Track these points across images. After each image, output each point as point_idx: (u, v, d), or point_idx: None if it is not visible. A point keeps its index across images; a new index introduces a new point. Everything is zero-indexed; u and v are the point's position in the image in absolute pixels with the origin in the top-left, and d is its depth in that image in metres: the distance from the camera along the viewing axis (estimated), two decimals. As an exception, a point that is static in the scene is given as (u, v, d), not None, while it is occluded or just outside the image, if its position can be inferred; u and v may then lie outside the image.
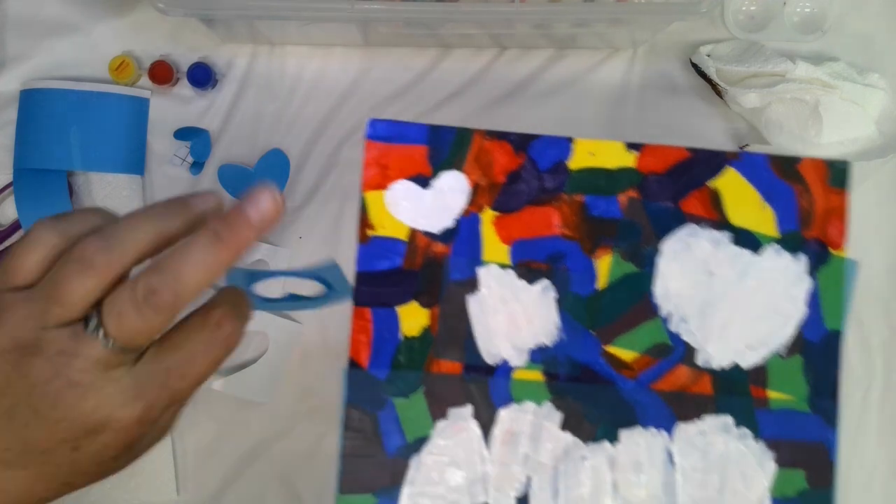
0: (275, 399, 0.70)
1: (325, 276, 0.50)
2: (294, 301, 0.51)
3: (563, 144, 0.51)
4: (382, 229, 0.50)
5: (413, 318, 0.50)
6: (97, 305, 0.37)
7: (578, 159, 0.51)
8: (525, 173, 0.51)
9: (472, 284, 0.50)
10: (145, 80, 0.73)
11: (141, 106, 0.73)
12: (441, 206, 0.51)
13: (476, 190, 0.51)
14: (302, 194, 0.73)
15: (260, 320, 0.69)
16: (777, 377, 0.51)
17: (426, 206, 0.51)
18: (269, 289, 0.49)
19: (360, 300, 0.50)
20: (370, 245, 0.50)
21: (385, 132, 0.51)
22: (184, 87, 0.73)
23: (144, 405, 0.38)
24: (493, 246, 0.51)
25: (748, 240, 0.52)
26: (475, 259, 0.50)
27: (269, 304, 0.49)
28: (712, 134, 0.72)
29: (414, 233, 0.50)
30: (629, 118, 0.72)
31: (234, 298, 0.41)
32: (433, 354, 0.50)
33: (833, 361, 0.52)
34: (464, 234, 0.51)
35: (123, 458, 0.40)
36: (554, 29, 0.68)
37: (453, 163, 0.51)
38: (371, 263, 0.50)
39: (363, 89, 0.73)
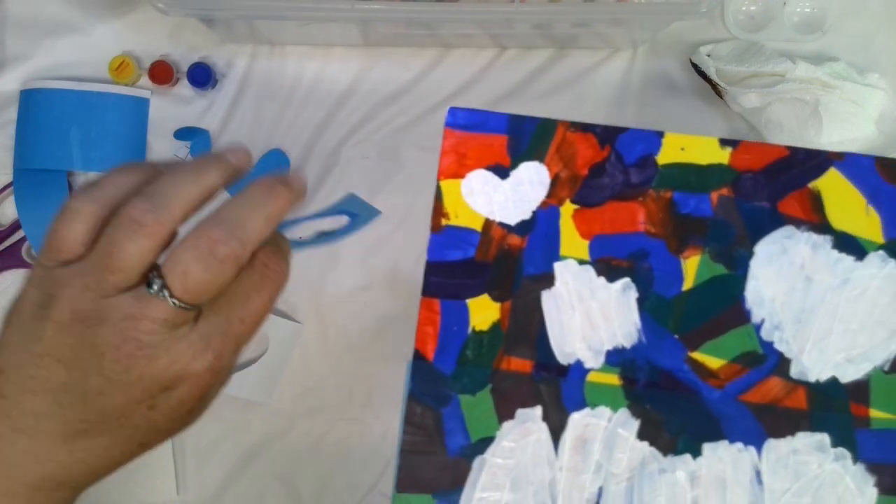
0: (275, 399, 0.70)
1: (348, 207, 0.49)
2: (324, 237, 0.50)
3: (653, 138, 0.49)
4: (457, 219, 0.48)
5: (483, 312, 0.48)
6: (153, 268, 0.36)
7: (668, 154, 0.49)
8: (610, 167, 0.49)
9: (547, 279, 0.48)
10: (145, 80, 0.73)
11: (141, 106, 0.73)
12: (519, 197, 0.48)
13: (556, 182, 0.48)
14: None
15: None
16: (880, 394, 0.47)
17: (503, 196, 0.48)
18: (296, 233, 0.47)
19: (429, 291, 0.48)
20: (443, 234, 0.48)
21: (464, 120, 0.49)
22: (184, 87, 0.73)
23: (214, 355, 0.38)
24: (572, 240, 0.48)
25: (851, 245, 0.48)
26: (552, 253, 0.48)
27: (300, 245, 0.48)
28: (712, 134, 0.69)
29: (489, 224, 0.48)
30: (629, 118, 0.72)
31: (273, 238, 0.40)
32: (503, 351, 0.47)
33: (944, 381, 0.47)
34: (541, 227, 0.48)
35: (197, 409, 0.41)
36: (554, 29, 0.69)
37: (534, 153, 0.49)
38: (443, 253, 0.48)
39: (363, 89, 0.73)
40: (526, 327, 0.48)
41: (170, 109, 0.73)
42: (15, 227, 0.71)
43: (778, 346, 0.47)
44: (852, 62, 0.71)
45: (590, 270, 0.48)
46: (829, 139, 0.67)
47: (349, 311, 0.70)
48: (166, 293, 0.36)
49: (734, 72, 0.68)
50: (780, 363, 0.47)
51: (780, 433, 0.47)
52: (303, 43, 0.73)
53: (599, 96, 0.72)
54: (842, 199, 0.48)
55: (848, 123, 0.66)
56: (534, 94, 0.72)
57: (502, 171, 0.49)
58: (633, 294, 0.48)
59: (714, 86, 0.70)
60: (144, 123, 0.72)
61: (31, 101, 0.71)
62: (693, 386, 0.47)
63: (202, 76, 0.71)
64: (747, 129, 0.71)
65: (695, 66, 0.71)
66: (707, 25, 0.73)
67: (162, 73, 0.71)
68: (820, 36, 0.72)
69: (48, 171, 0.70)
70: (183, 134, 0.72)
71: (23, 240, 0.71)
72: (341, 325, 0.71)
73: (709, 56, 0.69)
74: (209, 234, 0.36)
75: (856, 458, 0.47)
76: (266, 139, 0.72)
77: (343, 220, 0.50)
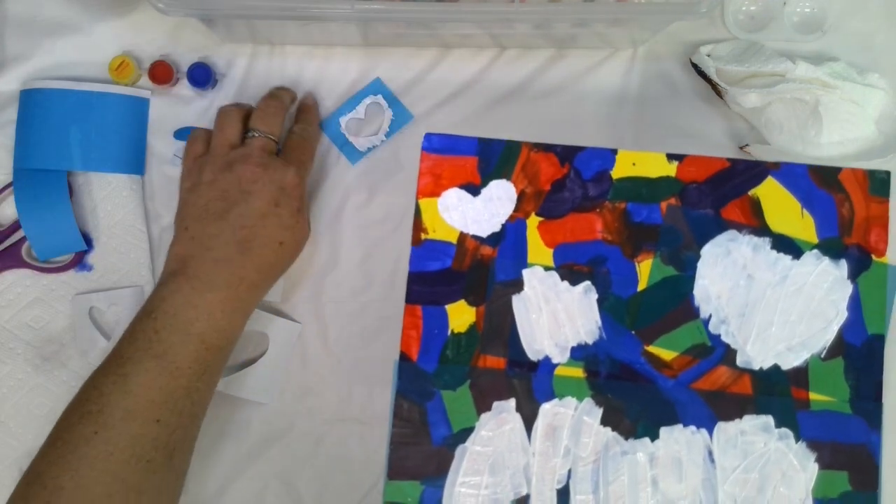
0: (275, 399, 0.69)
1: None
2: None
3: (607, 155, 0.54)
4: (434, 233, 0.54)
5: (461, 316, 0.53)
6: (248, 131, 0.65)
7: (621, 169, 0.54)
8: (569, 182, 0.54)
9: (516, 285, 0.53)
10: (145, 80, 0.71)
11: (141, 106, 0.72)
12: (489, 212, 0.54)
13: (522, 197, 0.54)
14: None
15: (260, 320, 0.68)
16: (818, 379, 0.52)
17: (475, 212, 0.54)
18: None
19: (411, 298, 0.53)
20: (423, 248, 0.54)
21: (438, 144, 0.55)
22: (184, 87, 0.72)
23: (295, 167, 0.63)
24: (538, 249, 0.54)
25: (788, 246, 0.53)
26: (520, 261, 0.53)
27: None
28: (712, 134, 0.71)
29: (463, 236, 0.54)
30: (629, 118, 0.71)
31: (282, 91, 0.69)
32: (479, 350, 0.53)
33: (876, 364, 0.52)
34: (510, 238, 0.54)
35: (300, 218, 0.63)
36: (554, 29, 0.68)
37: (501, 172, 0.54)
38: (423, 264, 0.54)
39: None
40: (499, 328, 0.53)
41: (170, 109, 0.72)
42: (15, 227, 0.70)
43: (724, 339, 0.53)
44: (852, 62, 0.70)
45: (554, 276, 0.53)
46: (829, 139, 0.66)
47: (349, 311, 0.70)
48: (257, 133, 0.63)
49: (734, 72, 0.68)
50: (727, 353, 0.53)
51: (728, 416, 0.52)
52: (303, 43, 0.72)
53: (599, 96, 0.72)
54: (779, 204, 0.54)
55: (848, 123, 0.66)
56: (534, 94, 0.72)
57: (474, 189, 0.54)
58: (594, 295, 0.53)
59: (714, 86, 0.69)
60: (144, 123, 0.72)
61: (31, 101, 0.70)
62: (649, 376, 0.53)
63: (202, 76, 0.71)
64: (747, 129, 0.71)
65: (695, 66, 0.70)
66: (707, 25, 0.72)
67: (162, 73, 0.71)
68: (820, 36, 0.71)
69: (48, 171, 0.69)
70: (183, 134, 0.71)
71: (23, 240, 0.70)
72: (341, 325, 0.70)
73: (709, 56, 0.69)
74: (265, 99, 0.67)
75: (798, 437, 0.52)
76: None
77: None
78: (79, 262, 0.69)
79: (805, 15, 0.72)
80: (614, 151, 0.54)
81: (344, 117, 0.70)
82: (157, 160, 0.71)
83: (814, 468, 0.52)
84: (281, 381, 0.69)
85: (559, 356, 0.53)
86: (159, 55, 0.72)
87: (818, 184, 0.54)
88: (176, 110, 0.72)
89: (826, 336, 0.53)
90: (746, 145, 0.68)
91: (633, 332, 0.53)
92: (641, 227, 0.54)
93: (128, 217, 0.70)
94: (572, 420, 0.52)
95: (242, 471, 0.69)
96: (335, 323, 0.70)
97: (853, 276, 0.53)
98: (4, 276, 0.69)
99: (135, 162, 0.71)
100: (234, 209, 0.60)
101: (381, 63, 0.72)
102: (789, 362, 0.53)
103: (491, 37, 0.70)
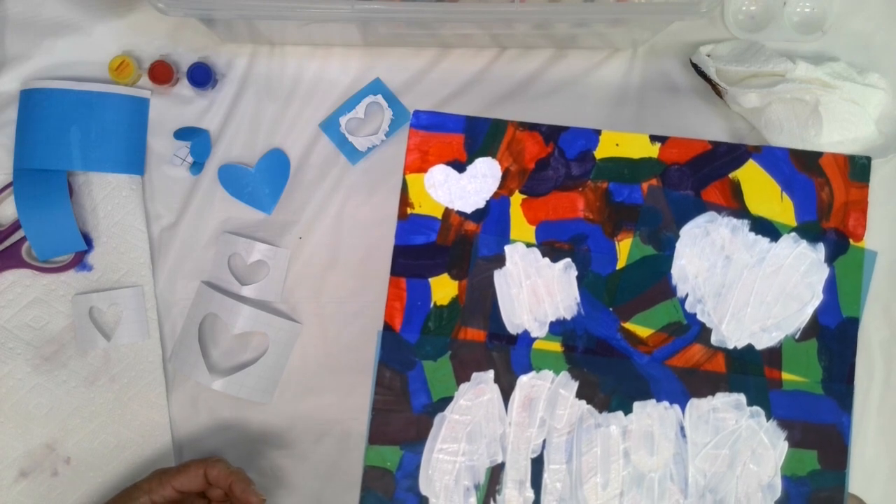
0: (275, 399, 0.70)
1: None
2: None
3: (591, 136, 0.55)
4: (420, 208, 0.55)
5: (443, 289, 0.55)
6: None
7: (605, 149, 0.55)
8: (553, 161, 0.55)
9: (499, 260, 0.55)
10: (145, 80, 0.72)
11: (141, 106, 0.72)
12: (474, 188, 0.55)
13: (507, 175, 0.55)
14: (302, 194, 0.72)
15: (260, 320, 0.69)
16: (791, 359, 0.53)
17: (461, 188, 0.55)
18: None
19: (396, 270, 0.55)
20: (408, 222, 0.55)
21: (426, 121, 0.56)
22: (184, 87, 0.72)
23: None
24: (520, 226, 0.55)
25: (766, 228, 0.54)
26: (503, 237, 0.55)
27: None
28: (712, 134, 0.71)
29: (448, 212, 0.55)
30: (629, 118, 0.72)
31: None
32: (460, 322, 0.54)
33: (849, 347, 0.53)
34: (494, 214, 0.55)
35: None
36: (554, 29, 0.68)
37: (487, 150, 0.56)
38: (408, 238, 0.55)
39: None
40: (480, 302, 0.55)
41: (170, 109, 0.72)
42: (15, 227, 0.70)
43: (700, 317, 0.54)
44: (852, 62, 0.70)
45: (536, 252, 0.55)
46: (829, 139, 0.67)
47: (349, 311, 0.71)
48: None
49: (734, 72, 0.68)
50: (702, 332, 0.54)
51: (701, 393, 0.53)
52: (303, 43, 0.73)
53: (599, 96, 0.72)
54: (759, 187, 0.55)
55: (848, 123, 0.67)
56: (534, 94, 0.72)
57: (460, 166, 0.55)
58: (574, 272, 0.55)
59: (714, 86, 0.70)
60: (144, 123, 0.72)
61: (31, 101, 0.70)
62: (625, 352, 0.54)
63: (202, 76, 0.71)
64: (747, 129, 0.71)
65: (695, 66, 0.71)
66: (707, 25, 0.72)
67: (162, 73, 0.71)
68: (820, 36, 0.72)
69: (48, 171, 0.69)
70: (183, 134, 0.72)
71: (23, 240, 0.70)
72: (341, 325, 0.70)
73: (709, 56, 0.69)
74: None
75: (769, 416, 0.53)
76: (266, 139, 0.72)
77: None
78: (79, 262, 0.70)
79: (805, 15, 0.72)
80: (598, 132, 0.55)
81: (344, 117, 0.71)
82: (157, 160, 0.72)
83: (784, 446, 0.53)
84: (281, 381, 0.70)
85: (538, 330, 0.54)
86: (159, 55, 0.72)
87: (799, 168, 0.55)
88: (176, 110, 0.72)
89: (801, 318, 0.54)
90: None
91: (610, 309, 0.54)
92: (622, 206, 0.55)
93: (128, 217, 0.71)
94: (548, 392, 0.54)
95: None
96: (335, 323, 0.71)
97: (830, 259, 0.54)
98: (4, 276, 0.70)
99: (135, 162, 0.71)
100: None
101: (381, 63, 0.72)
102: (763, 342, 0.54)
103: (491, 37, 0.71)
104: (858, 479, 0.68)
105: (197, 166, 0.72)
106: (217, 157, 0.72)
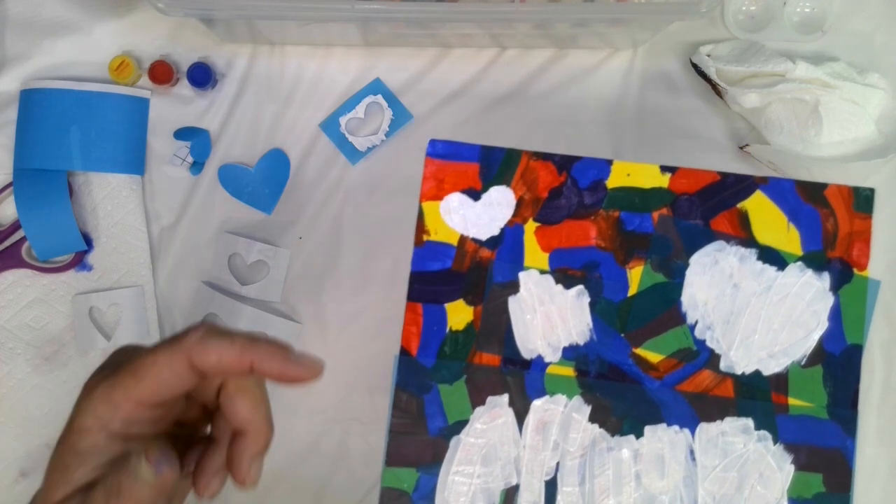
0: (274, 398, 0.68)
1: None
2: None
3: (603, 165, 0.57)
4: (436, 235, 0.56)
5: (459, 315, 0.56)
6: None
7: (616, 179, 0.57)
8: (566, 190, 0.57)
9: (513, 287, 0.56)
10: (145, 80, 0.72)
11: (141, 106, 0.72)
12: (489, 216, 0.57)
13: (521, 203, 0.57)
14: (302, 194, 0.72)
15: (260, 320, 0.69)
16: (797, 385, 0.55)
17: (476, 216, 0.57)
18: None
19: (412, 296, 0.56)
20: (425, 248, 0.56)
21: (442, 151, 0.57)
22: (184, 87, 0.73)
23: None
24: (534, 253, 0.56)
25: (773, 257, 0.56)
26: (517, 264, 0.56)
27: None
28: (712, 134, 0.72)
29: (463, 239, 0.56)
30: (629, 118, 0.72)
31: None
32: (475, 347, 0.56)
33: (853, 373, 0.55)
34: (508, 241, 0.56)
35: None
36: (554, 29, 0.68)
37: (502, 179, 0.57)
38: (424, 264, 0.56)
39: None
40: (495, 327, 0.56)
41: (170, 109, 0.72)
42: (15, 227, 0.70)
43: (709, 344, 0.55)
44: (852, 62, 0.70)
45: (549, 279, 0.56)
46: (829, 139, 0.67)
47: (349, 311, 0.71)
48: None
49: (734, 72, 0.68)
50: (711, 358, 0.55)
51: (710, 418, 0.55)
52: (303, 43, 0.73)
53: (599, 96, 0.72)
54: (766, 217, 0.56)
55: (848, 123, 0.67)
56: (534, 94, 0.72)
57: (475, 194, 0.57)
58: (586, 299, 0.56)
59: (714, 86, 0.70)
60: (144, 123, 0.72)
61: (31, 101, 0.70)
62: (636, 377, 0.55)
63: (202, 76, 0.71)
64: (747, 129, 0.71)
65: (695, 66, 0.71)
66: (707, 25, 0.73)
67: (162, 73, 0.71)
68: (820, 36, 0.72)
69: (48, 171, 0.69)
70: (183, 134, 0.72)
71: (23, 240, 0.70)
72: (341, 325, 0.71)
73: (709, 56, 0.70)
74: None
75: (776, 440, 0.55)
76: (266, 139, 0.72)
77: None
78: (79, 262, 0.70)
79: (805, 15, 0.73)
80: (609, 162, 0.57)
81: (344, 117, 0.72)
82: (157, 160, 0.72)
83: (790, 469, 0.54)
84: (281, 381, 0.71)
85: (551, 355, 0.56)
86: (159, 55, 0.73)
87: (804, 199, 0.56)
88: (176, 110, 0.73)
89: (807, 344, 0.55)
90: (746, 145, 0.69)
91: (622, 335, 0.56)
92: (633, 235, 0.56)
93: (128, 217, 0.71)
94: (562, 416, 0.55)
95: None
96: (335, 323, 0.71)
97: (835, 288, 0.56)
98: (4, 276, 0.71)
99: (135, 162, 0.72)
100: None
101: (381, 63, 0.73)
102: (770, 368, 0.55)
103: (491, 37, 0.71)
104: (858, 479, 0.69)
105: (197, 166, 0.72)
106: (217, 157, 0.72)
